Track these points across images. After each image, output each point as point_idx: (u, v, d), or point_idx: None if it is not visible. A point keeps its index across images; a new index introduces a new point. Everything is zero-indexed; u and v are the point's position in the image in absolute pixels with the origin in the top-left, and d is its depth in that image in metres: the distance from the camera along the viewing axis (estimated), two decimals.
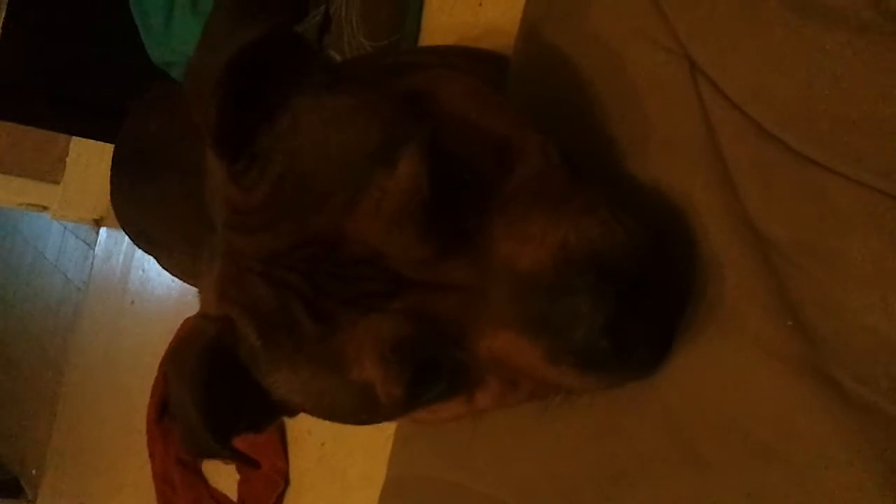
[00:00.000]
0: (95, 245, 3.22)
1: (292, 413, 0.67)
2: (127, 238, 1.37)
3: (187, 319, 2.29)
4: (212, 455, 0.65)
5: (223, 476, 2.08)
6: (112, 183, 1.30)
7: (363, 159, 0.57)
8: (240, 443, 0.66)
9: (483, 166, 0.59)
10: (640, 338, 0.54)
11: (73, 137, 3.06)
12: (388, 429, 1.48)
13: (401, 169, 0.56)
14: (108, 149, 2.56)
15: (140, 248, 1.32)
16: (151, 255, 1.30)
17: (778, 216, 0.54)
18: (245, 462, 0.67)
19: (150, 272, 2.69)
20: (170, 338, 2.35)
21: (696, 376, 0.56)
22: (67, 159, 3.16)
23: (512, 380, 0.60)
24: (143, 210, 1.22)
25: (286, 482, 1.82)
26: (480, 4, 1.52)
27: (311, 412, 0.65)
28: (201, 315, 0.66)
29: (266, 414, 0.67)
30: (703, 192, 0.58)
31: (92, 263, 3.22)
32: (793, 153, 0.53)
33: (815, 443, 0.50)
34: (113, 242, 3.07)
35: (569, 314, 0.52)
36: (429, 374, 0.58)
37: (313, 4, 1.67)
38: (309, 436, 1.76)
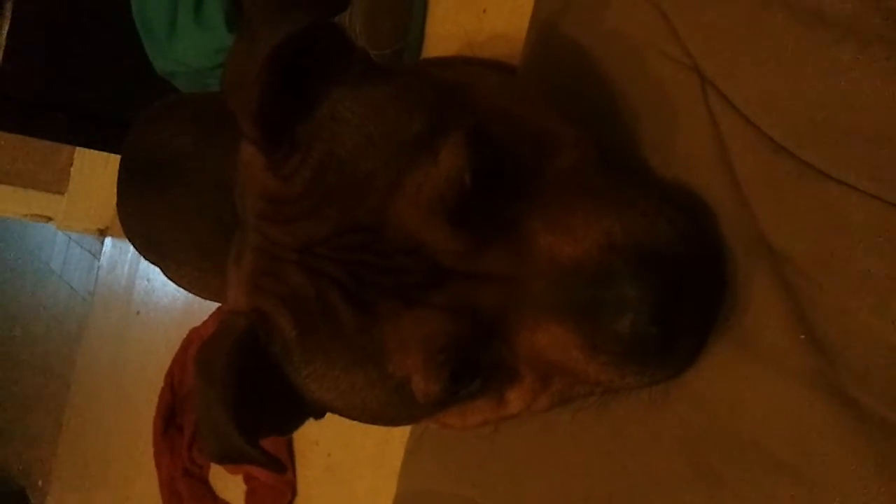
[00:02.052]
0: (100, 255, 3.22)
1: (320, 414, 0.67)
2: (132, 248, 1.36)
3: (193, 329, 2.29)
4: (236, 457, 0.64)
5: (230, 487, 2.08)
6: (119, 194, 1.29)
7: (405, 145, 0.57)
8: None
9: (522, 158, 0.59)
10: (684, 328, 0.54)
11: (77, 148, 3.07)
12: (394, 440, 1.48)
13: (444, 156, 0.56)
14: (112, 159, 2.59)
15: (147, 259, 1.31)
16: (158, 266, 1.29)
17: (791, 230, 0.53)
18: (272, 464, 0.65)
19: (155, 282, 2.69)
20: (175, 348, 2.36)
21: (711, 390, 0.56)
22: (72, 170, 3.16)
23: (545, 376, 0.59)
24: (151, 221, 1.21)
25: (293, 493, 1.82)
26: (484, 11, 1.52)
27: (341, 410, 0.64)
28: (231, 311, 0.65)
29: (293, 415, 0.67)
30: (715, 206, 0.57)
31: (97, 274, 3.22)
32: (804, 165, 0.53)
33: (830, 459, 0.49)
34: (118, 252, 3.07)
35: (616, 301, 0.52)
36: (468, 371, 0.58)
37: None
38: (316, 447, 1.75)
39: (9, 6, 2.16)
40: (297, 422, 0.68)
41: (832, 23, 0.52)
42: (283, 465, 0.66)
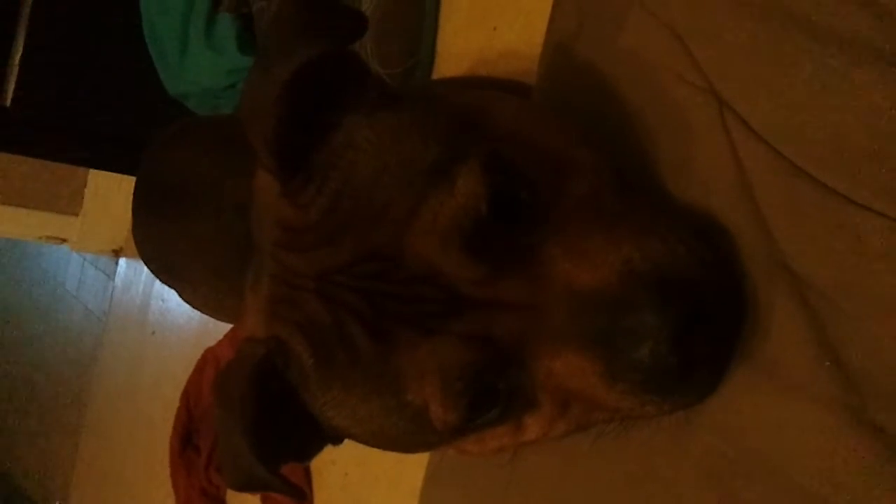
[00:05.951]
0: (115, 276, 3.22)
1: (338, 440, 0.67)
2: (146, 268, 1.36)
3: (208, 349, 2.29)
4: (258, 486, 0.64)
5: None
6: (134, 218, 1.29)
7: (422, 173, 0.57)
8: None
9: (539, 184, 0.58)
10: (704, 356, 0.54)
11: (91, 170, 3.08)
12: (411, 460, 1.47)
13: (460, 184, 0.56)
14: (125, 180, 2.59)
15: (163, 282, 1.31)
16: (174, 289, 1.29)
17: (812, 255, 0.53)
18: (294, 493, 0.65)
19: (169, 302, 2.69)
20: (191, 368, 2.35)
21: (735, 418, 0.55)
22: (85, 191, 3.17)
23: (564, 403, 0.59)
24: (167, 245, 1.21)
25: None
26: (495, 29, 1.52)
27: (359, 437, 0.64)
28: (248, 339, 0.65)
29: (312, 441, 0.67)
30: (734, 231, 0.57)
31: (112, 294, 3.23)
32: (824, 190, 0.52)
33: (857, 488, 0.49)
34: (132, 273, 3.08)
35: (635, 329, 0.51)
36: (486, 400, 0.58)
37: None
38: (333, 466, 1.75)
39: (22, 31, 2.18)
40: (316, 448, 0.68)
41: (850, 45, 0.52)
42: (303, 493, 0.66)
